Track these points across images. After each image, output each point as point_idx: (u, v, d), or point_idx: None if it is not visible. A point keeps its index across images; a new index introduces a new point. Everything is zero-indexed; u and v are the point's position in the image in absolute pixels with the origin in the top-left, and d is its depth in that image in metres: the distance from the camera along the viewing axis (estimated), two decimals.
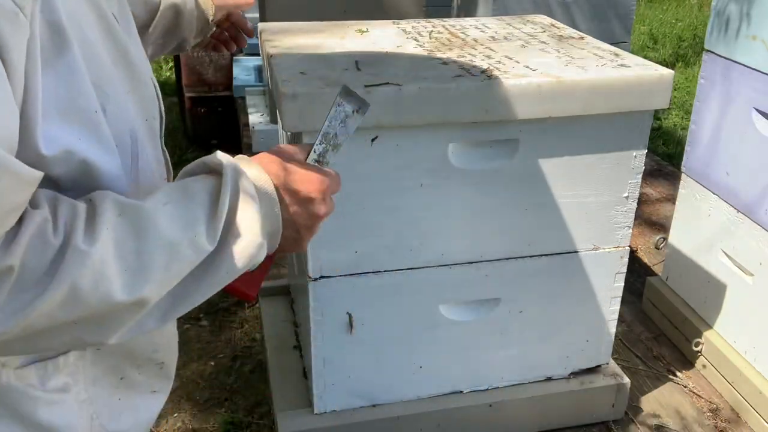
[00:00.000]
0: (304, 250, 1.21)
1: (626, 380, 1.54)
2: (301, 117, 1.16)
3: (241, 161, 0.72)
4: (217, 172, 0.70)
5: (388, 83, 1.19)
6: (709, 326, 1.77)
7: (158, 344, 0.86)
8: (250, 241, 0.68)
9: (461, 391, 1.48)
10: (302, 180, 0.73)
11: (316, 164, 0.77)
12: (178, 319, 0.73)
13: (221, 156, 0.71)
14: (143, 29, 1.15)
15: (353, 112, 0.78)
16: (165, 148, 0.86)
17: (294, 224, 0.73)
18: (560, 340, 1.49)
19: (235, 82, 3.64)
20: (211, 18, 1.20)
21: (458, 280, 1.37)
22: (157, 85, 0.84)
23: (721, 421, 1.62)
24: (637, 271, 2.19)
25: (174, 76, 5.00)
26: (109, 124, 0.70)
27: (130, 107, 0.74)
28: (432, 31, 1.56)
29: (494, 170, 1.30)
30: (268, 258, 0.75)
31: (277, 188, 0.72)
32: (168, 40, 1.20)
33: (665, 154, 4.07)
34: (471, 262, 1.37)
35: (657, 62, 1.39)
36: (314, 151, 0.77)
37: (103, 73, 0.70)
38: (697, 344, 1.76)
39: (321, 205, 0.74)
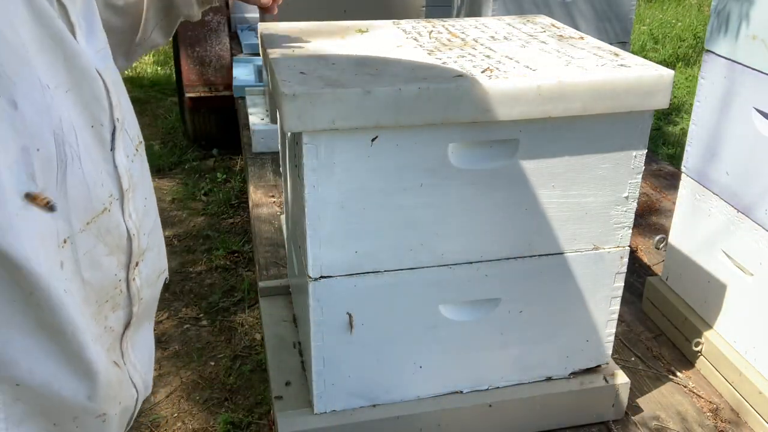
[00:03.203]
0: None
1: (626, 380, 1.54)
2: (301, 117, 1.16)
3: None
4: None
5: (388, 83, 1.19)
6: (709, 326, 1.77)
7: (95, 390, 0.74)
8: None
9: (461, 391, 1.48)
10: None
11: None
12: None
13: None
14: (138, 12, 1.14)
15: None
16: (125, 162, 0.74)
17: None
18: (560, 340, 1.49)
19: (235, 82, 3.64)
20: None
21: (458, 280, 1.37)
22: (117, 93, 0.74)
23: (722, 421, 1.62)
24: (637, 271, 2.19)
25: (174, 76, 5.00)
26: (23, 121, 0.60)
27: (59, 105, 0.64)
28: (432, 31, 1.56)
29: (494, 170, 1.31)
30: None
31: None
32: (171, 20, 1.19)
33: (665, 154, 4.07)
34: (471, 262, 1.37)
35: (657, 62, 1.39)
36: None
37: (12, 58, 0.60)
38: (697, 344, 1.76)
39: None
